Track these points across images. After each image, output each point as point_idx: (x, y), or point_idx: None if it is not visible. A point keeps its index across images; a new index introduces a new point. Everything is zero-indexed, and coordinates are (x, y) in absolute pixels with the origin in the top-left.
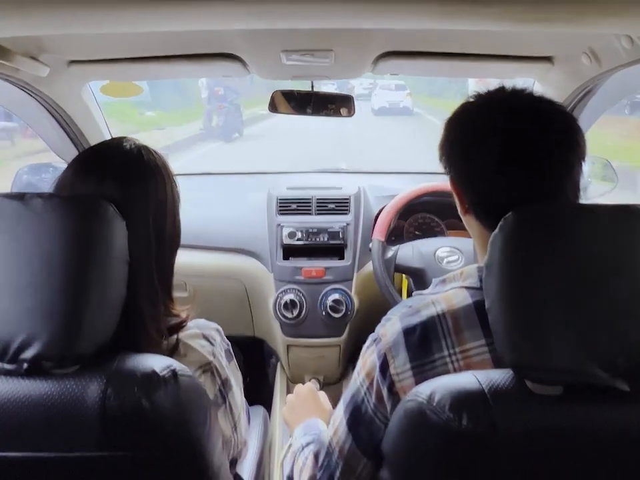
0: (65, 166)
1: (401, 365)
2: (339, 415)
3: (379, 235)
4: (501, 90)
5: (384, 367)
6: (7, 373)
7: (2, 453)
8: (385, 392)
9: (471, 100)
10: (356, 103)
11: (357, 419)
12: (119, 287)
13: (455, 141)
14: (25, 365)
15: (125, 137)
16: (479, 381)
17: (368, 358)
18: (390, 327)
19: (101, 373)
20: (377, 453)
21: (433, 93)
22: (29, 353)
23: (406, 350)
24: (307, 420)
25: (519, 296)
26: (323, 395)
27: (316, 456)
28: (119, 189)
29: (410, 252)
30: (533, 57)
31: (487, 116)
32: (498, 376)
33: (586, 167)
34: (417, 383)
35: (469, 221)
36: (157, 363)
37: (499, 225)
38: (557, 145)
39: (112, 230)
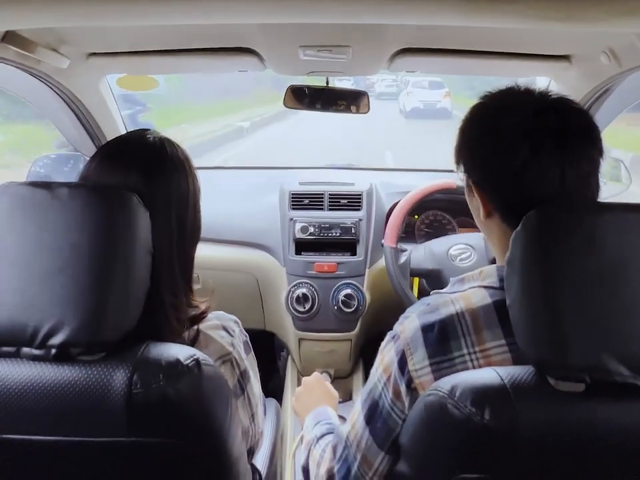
0: (79, 157)
1: (419, 361)
2: (357, 409)
3: (389, 241)
4: (512, 89)
5: (402, 362)
6: (35, 358)
7: (29, 437)
8: (402, 388)
9: (483, 101)
10: (380, 103)
11: (374, 414)
12: (143, 277)
13: (474, 145)
14: (53, 351)
15: (147, 129)
16: (500, 377)
17: (386, 354)
18: (408, 324)
19: (127, 361)
20: (394, 448)
21: (475, 93)
22: (56, 339)
23: (424, 346)
24: (316, 408)
25: (540, 293)
26: (329, 384)
27: (334, 449)
28: (143, 181)
29: (422, 254)
30: (550, 56)
31: (508, 117)
32: (520, 372)
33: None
34: (436, 379)
35: (489, 225)
36: (181, 352)
37: (521, 222)
38: (579, 141)
39: (136, 220)
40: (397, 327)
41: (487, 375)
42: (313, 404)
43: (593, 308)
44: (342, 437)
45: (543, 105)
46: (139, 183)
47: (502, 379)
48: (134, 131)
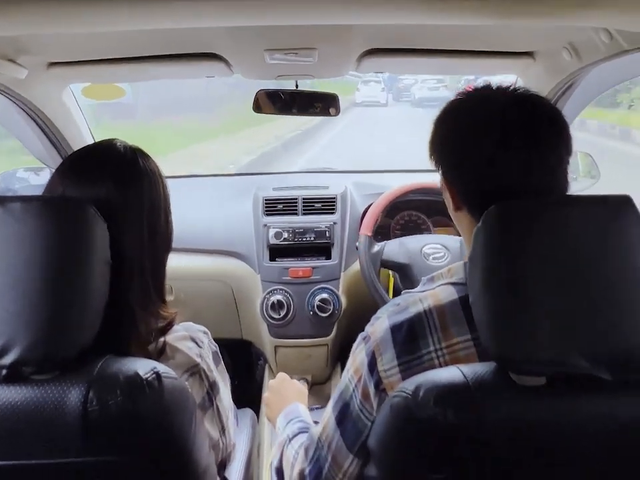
0: (47, 170)
1: (388, 361)
2: (328, 411)
3: (366, 230)
4: (487, 87)
5: (372, 364)
6: None
7: None
8: (371, 389)
9: (459, 97)
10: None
11: (345, 415)
12: (101, 290)
13: (446, 137)
14: (4, 372)
15: (115, 139)
16: (463, 375)
17: (357, 356)
18: (379, 325)
19: (82, 378)
20: (363, 450)
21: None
22: (7, 359)
23: (393, 347)
24: (286, 407)
25: (501, 288)
26: (295, 382)
27: (306, 450)
28: (114, 191)
29: (397, 248)
30: (515, 53)
31: (477, 111)
32: (482, 369)
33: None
34: (404, 379)
35: (459, 218)
36: (140, 365)
37: (481, 218)
38: (546, 135)
39: (92, 232)
40: (368, 328)
41: (450, 374)
42: (282, 404)
43: (553, 302)
44: (314, 438)
45: (511, 99)
46: (110, 193)
47: (465, 377)
48: (102, 140)
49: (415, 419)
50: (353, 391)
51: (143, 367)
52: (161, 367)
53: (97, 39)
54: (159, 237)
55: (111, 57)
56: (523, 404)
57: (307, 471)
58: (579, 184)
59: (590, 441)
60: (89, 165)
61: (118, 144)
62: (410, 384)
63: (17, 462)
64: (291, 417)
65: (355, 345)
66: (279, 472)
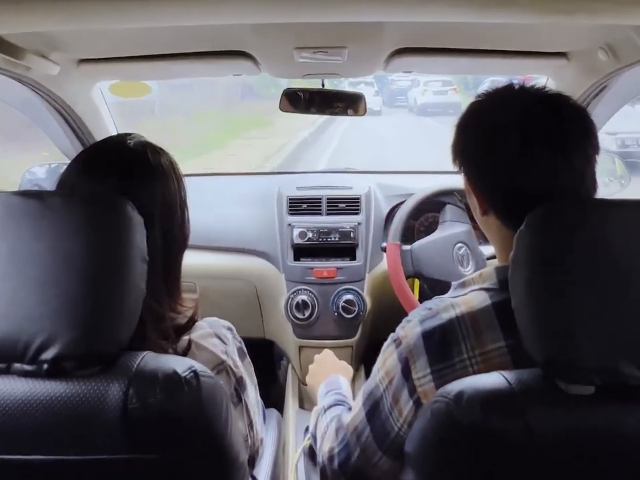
0: None
1: (422, 368)
2: (358, 404)
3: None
4: (510, 87)
5: (406, 370)
6: (27, 374)
7: (23, 457)
8: (403, 395)
9: (480, 99)
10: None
11: (375, 412)
12: (139, 286)
13: (470, 141)
14: (45, 366)
15: (129, 134)
16: (507, 381)
17: (388, 357)
18: (410, 329)
19: (122, 374)
20: (393, 450)
21: None
22: (49, 354)
23: (426, 353)
24: (329, 377)
25: (547, 292)
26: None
27: (337, 431)
28: (121, 187)
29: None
30: (548, 53)
31: (501, 112)
32: (527, 375)
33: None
34: (437, 387)
35: (487, 222)
36: (177, 364)
37: (525, 220)
38: (573, 135)
39: (131, 227)
40: (400, 331)
41: (493, 380)
42: (325, 374)
43: (602, 308)
44: (344, 424)
45: (536, 100)
46: (117, 189)
47: (509, 383)
48: (114, 135)
49: (457, 425)
50: (384, 391)
51: (181, 365)
52: (198, 366)
53: (126, 36)
54: (173, 235)
55: (139, 55)
56: (571, 413)
57: (335, 451)
58: (608, 188)
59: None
60: (98, 161)
61: (128, 139)
62: (451, 389)
63: (57, 457)
64: (331, 387)
65: (385, 345)
66: (314, 437)
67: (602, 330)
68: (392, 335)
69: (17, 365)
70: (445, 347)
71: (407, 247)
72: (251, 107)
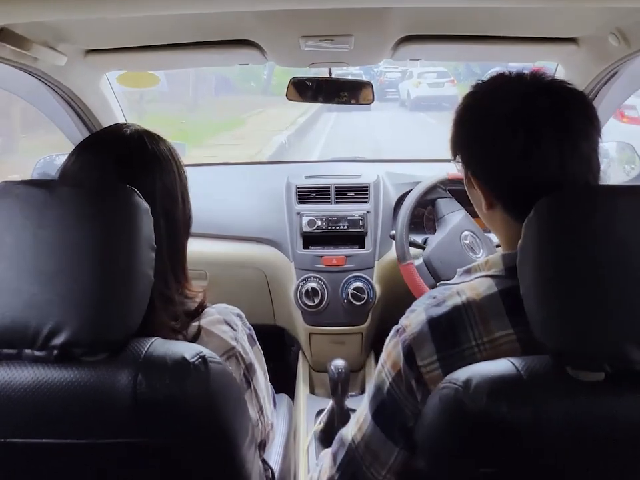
0: None
1: (427, 356)
2: (364, 409)
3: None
4: (503, 75)
5: (410, 358)
6: (37, 360)
7: (33, 440)
8: (413, 383)
9: (476, 90)
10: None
11: (384, 410)
12: (147, 273)
13: (472, 134)
14: (55, 352)
15: (125, 123)
16: (516, 367)
17: (392, 350)
18: (414, 318)
19: (131, 360)
20: (408, 442)
21: None
22: (59, 340)
23: (432, 341)
24: None
25: (557, 279)
26: None
27: (334, 456)
28: (122, 175)
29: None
30: (557, 39)
31: (500, 103)
32: (536, 362)
33: (613, 153)
34: (445, 374)
35: (492, 216)
36: (186, 349)
37: (534, 208)
38: (575, 121)
39: (138, 216)
40: (403, 321)
41: (502, 366)
42: None
43: (611, 294)
44: (344, 441)
45: (536, 88)
46: (115, 176)
47: (518, 370)
48: (111, 125)
49: (466, 411)
50: (392, 385)
51: (189, 350)
52: (207, 351)
53: (132, 26)
54: (176, 221)
55: (146, 45)
56: (580, 399)
57: (337, 476)
58: (629, 177)
59: None
60: (96, 150)
61: (124, 127)
62: (460, 375)
63: (68, 440)
64: None
65: (388, 338)
66: None
67: (611, 316)
68: (395, 327)
69: (28, 351)
70: (452, 334)
71: (419, 262)
72: (225, 105)
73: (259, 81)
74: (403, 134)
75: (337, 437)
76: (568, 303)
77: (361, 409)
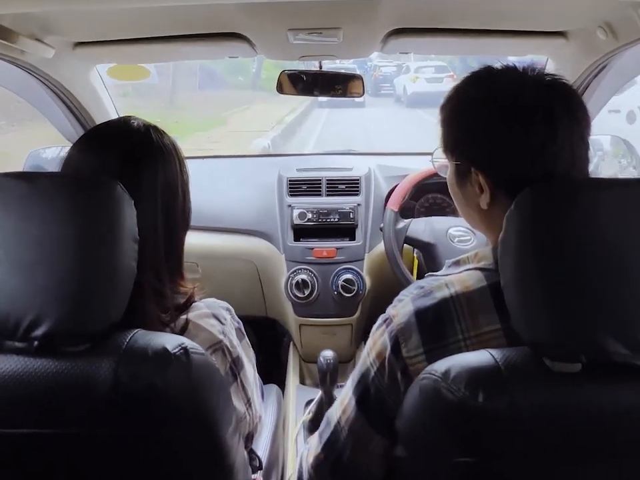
0: None
1: (413, 348)
2: (347, 394)
3: (393, 205)
4: (489, 68)
5: (396, 348)
6: (18, 351)
7: (13, 430)
8: (398, 374)
9: (461, 85)
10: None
11: (367, 398)
12: (129, 265)
13: (479, 129)
14: (36, 343)
15: (131, 116)
16: (494, 358)
17: (378, 339)
18: (401, 308)
19: (112, 351)
20: (389, 429)
21: None
22: (39, 331)
23: (419, 333)
24: None
25: (535, 272)
26: None
27: (320, 435)
28: (124, 167)
29: (422, 226)
30: (546, 33)
31: (491, 98)
32: (514, 353)
33: (607, 146)
34: None
35: (491, 213)
36: (168, 340)
37: (514, 201)
38: (567, 113)
39: (120, 209)
40: (390, 310)
41: (480, 357)
42: None
43: (589, 287)
44: (330, 422)
45: (526, 80)
46: (119, 168)
47: (496, 361)
48: (118, 117)
49: (444, 401)
50: (376, 374)
51: (171, 342)
52: (189, 343)
53: (121, 18)
54: (175, 216)
55: (135, 37)
56: (557, 390)
57: (322, 457)
58: (609, 169)
59: (626, 430)
60: (101, 142)
61: (131, 120)
62: (439, 366)
63: (48, 430)
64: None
65: (374, 327)
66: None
67: (588, 308)
68: (382, 315)
69: (9, 342)
70: (438, 326)
71: (405, 220)
72: (208, 101)
73: (247, 75)
74: (399, 132)
75: (324, 417)
76: (545, 295)
77: (345, 389)
